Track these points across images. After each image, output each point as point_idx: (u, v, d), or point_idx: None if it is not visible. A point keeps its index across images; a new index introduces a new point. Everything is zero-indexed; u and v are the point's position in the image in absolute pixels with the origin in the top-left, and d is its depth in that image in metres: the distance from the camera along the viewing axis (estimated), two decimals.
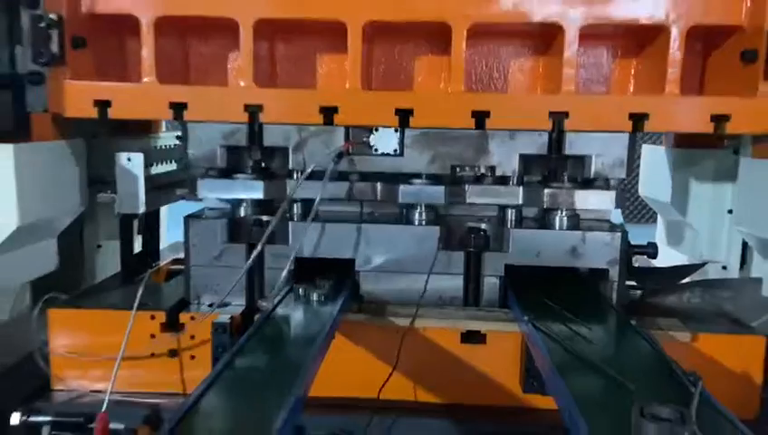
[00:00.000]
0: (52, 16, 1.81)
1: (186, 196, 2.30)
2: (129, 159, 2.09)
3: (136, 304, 1.83)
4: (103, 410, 1.67)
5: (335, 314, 1.73)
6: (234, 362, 1.40)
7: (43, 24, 1.81)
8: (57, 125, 1.96)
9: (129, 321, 1.83)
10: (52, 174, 1.94)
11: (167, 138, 2.70)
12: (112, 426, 1.68)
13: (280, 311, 1.76)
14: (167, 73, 1.91)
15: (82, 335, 1.92)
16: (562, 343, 1.49)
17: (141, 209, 2.11)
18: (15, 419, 1.78)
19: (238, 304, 1.97)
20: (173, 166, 2.59)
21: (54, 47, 1.82)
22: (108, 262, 2.59)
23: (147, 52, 1.87)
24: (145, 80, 1.88)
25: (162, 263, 2.47)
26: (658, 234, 2.88)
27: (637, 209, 5.67)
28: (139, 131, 2.51)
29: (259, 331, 1.60)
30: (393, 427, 1.77)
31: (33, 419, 1.79)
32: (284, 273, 1.89)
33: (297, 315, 1.76)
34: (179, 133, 2.69)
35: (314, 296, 1.82)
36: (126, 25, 1.93)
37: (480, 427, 1.82)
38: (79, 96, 1.87)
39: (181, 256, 2.27)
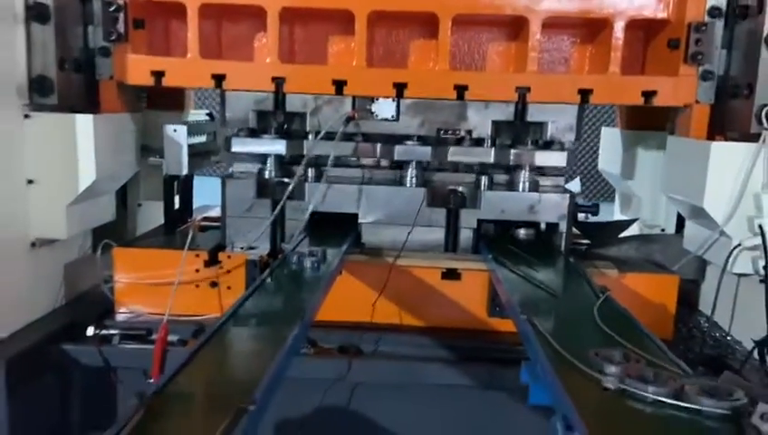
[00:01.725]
0: (119, 1, 2.27)
1: (220, 162, 2.78)
2: (174, 130, 2.57)
3: (187, 244, 2.31)
4: (164, 322, 2.17)
5: (341, 255, 2.21)
6: (260, 290, 1.82)
7: (111, 9, 2.27)
8: (120, 99, 2.43)
9: (179, 258, 2.32)
10: (117, 139, 2.40)
11: (198, 114, 3.17)
12: (169, 338, 2.18)
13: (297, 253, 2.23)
14: (204, 50, 2.35)
15: (141, 270, 2.41)
16: (515, 271, 2.00)
17: (185, 172, 2.60)
18: (90, 331, 2.28)
19: (264, 247, 2.45)
20: (203, 138, 3.07)
21: (121, 27, 2.28)
22: (145, 219, 3.07)
23: (191, 32, 2.33)
24: (190, 55, 2.35)
25: (196, 218, 2.96)
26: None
27: (605, 189, 6.18)
28: (175, 109, 2.99)
29: (278, 269, 2.06)
30: (381, 341, 2.26)
31: (104, 332, 2.29)
32: (302, 223, 2.40)
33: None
34: (209, 111, 3.19)
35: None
36: (173, 9, 2.37)
37: (452, 342, 2.30)
38: (139, 67, 2.33)
39: (208, 214, 2.79)
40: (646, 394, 1.11)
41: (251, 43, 2.54)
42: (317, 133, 2.44)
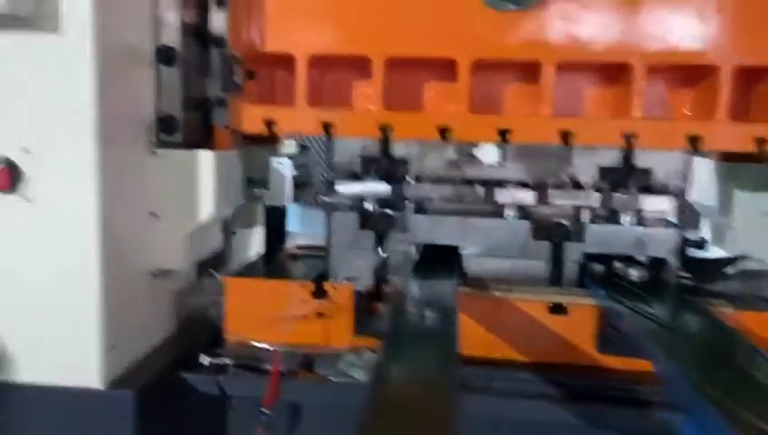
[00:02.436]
0: (236, 54, 2.37)
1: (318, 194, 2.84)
2: (280, 163, 2.66)
3: (294, 276, 2.38)
4: (276, 353, 2.23)
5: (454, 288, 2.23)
6: (394, 330, 1.88)
7: (228, 62, 2.37)
8: (230, 137, 2.52)
9: (287, 288, 2.39)
10: (229, 174, 2.49)
11: (289, 146, 3.26)
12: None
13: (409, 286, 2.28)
14: (309, 97, 2.42)
15: (251, 299, 2.48)
16: (635, 309, 1.99)
17: (288, 203, 2.68)
18: (206, 360, 2.35)
19: (368, 278, 2.50)
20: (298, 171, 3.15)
21: (237, 78, 2.39)
22: (241, 246, 3.16)
23: (300, 81, 2.41)
24: (297, 103, 2.42)
25: (291, 246, 3.04)
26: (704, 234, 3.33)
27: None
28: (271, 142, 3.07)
29: (397, 307, 2.09)
30: (485, 375, 2.26)
31: (216, 361, 2.36)
32: (406, 255, 2.44)
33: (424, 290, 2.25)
34: (303, 143, 3.28)
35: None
36: (282, 60, 2.46)
37: (559, 378, 2.29)
38: (253, 117, 2.41)
39: (300, 242, 2.87)
40: None
41: (353, 90, 2.59)
42: (419, 178, 2.49)
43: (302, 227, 2.97)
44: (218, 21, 2.36)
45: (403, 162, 2.54)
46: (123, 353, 2.15)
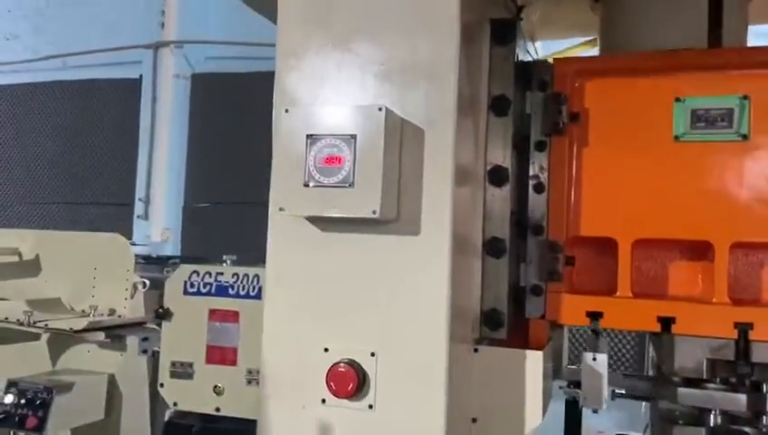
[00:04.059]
0: (558, 244, 2.20)
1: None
2: (594, 359, 2.35)
3: None
4: None
5: None
6: None
7: (549, 248, 2.21)
8: (545, 330, 2.29)
9: None
10: (547, 373, 2.23)
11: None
12: None
13: None
14: (636, 285, 2.17)
15: None
16: None
17: (604, 406, 2.32)
18: None
19: None
20: None
21: (559, 266, 2.20)
22: None
23: (623, 268, 2.16)
24: (619, 293, 2.15)
25: None
26: None
27: None
28: None
29: None
30: None
31: None
32: None
33: None
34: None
35: None
36: (603, 244, 2.25)
37: None
38: (573, 307, 2.19)
39: None
40: None
41: (698, 280, 2.29)
42: None
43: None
44: (537, 207, 2.24)
45: (766, 368, 2.12)
46: None
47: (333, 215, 1.76)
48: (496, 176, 2.12)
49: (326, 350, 1.87)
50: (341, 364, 1.83)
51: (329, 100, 1.89)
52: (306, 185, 1.76)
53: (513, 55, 2.15)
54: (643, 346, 3.57)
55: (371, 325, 1.85)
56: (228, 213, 6.87)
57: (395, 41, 1.86)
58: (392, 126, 1.77)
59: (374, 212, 1.71)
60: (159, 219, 6.98)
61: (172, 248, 6.80)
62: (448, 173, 1.81)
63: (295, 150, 1.78)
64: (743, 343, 2.05)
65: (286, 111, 1.81)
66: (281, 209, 1.80)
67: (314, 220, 1.87)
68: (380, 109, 1.74)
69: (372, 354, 1.83)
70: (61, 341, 3.20)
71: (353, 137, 1.73)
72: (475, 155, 2.07)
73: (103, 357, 3.12)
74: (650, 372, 2.73)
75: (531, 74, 2.25)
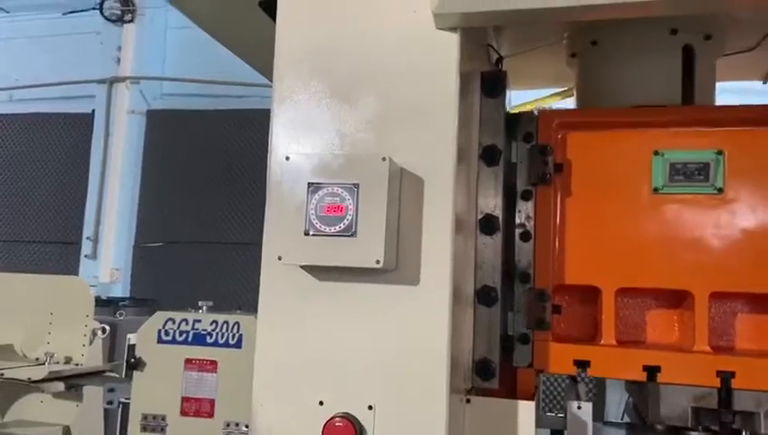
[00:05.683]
0: (546, 292, 2.22)
1: None
2: (578, 407, 2.35)
3: None
4: None
5: None
6: None
7: (536, 297, 2.22)
8: (532, 378, 2.29)
9: None
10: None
11: None
12: None
13: None
14: (622, 334, 2.20)
15: None
16: None
17: None
18: None
19: None
20: None
21: (547, 315, 2.21)
22: None
23: (606, 317, 2.20)
24: (603, 341, 2.18)
25: None
26: None
27: None
28: None
29: None
30: None
31: None
32: None
33: None
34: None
35: None
36: (587, 293, 2.29)
37: None
38: (561, 356, 2.20)
39: None
40: None
41: (677, 328, 2.34)
42: None
43: None
44: (524, 255, 2.26)
45: (748, 416, 2.17)
46: None
47: (335, 264, 1.72)
48: (488, 224, 2.13)
49: (321, 403, 1.80)
50: (337, 419, 1.77)
51: (326, 148, 1.87)
52: (306, 233, 1.72)
53: (504, 107, 2.20)
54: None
55: (369, 377, 1.80)
56: (182, 253, 6.68)
57: (395, 89, 1.87)
58: (393, 175, 1.77)
59: (377, 262, 1.69)
60: (108, 259, 6.71)
61: (122, 289, 6.53)
62: (448, 222, 1.81)
63: (296, 198, 1.74)
64: (724, 392, 2.11)
65: (287, 158, 1.78)
66: (279, 258, 1.75)
67: (310, 269, 1.83)
68: (384, 159, 1.73)
69: (370, 408, 1.78)
70: (11, 390, 3.00)
71: (356, 186, 1.71)
72: (468, 204, 2.08)
73: (58, 407, 2.93)
74: (625, 419, 2.75)
75: (517, 125, 2.30)
